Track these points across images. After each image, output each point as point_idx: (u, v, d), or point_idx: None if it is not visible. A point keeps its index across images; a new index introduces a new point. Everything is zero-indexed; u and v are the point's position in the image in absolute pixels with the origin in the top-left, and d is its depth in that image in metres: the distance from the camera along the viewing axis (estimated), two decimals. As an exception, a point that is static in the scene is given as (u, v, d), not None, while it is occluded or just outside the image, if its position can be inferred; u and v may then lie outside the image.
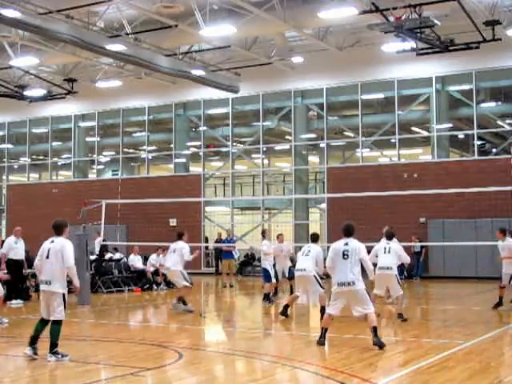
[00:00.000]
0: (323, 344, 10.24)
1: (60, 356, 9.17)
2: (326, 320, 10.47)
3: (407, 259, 13.66)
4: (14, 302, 16.72)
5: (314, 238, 13.89)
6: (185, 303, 14.93)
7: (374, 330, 10.01)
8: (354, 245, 10.23)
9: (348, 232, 10.40)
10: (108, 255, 21.88)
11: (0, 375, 8.68)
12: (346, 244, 10.22)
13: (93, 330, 13.09)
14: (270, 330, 12.99)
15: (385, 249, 13.20)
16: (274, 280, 16.72)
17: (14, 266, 16.65)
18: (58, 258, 9.45)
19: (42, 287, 9.53)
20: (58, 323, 9.36)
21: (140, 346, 10.55)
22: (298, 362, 9.03)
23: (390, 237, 13.57)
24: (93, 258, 20.50)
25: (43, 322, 9.49)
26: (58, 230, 9.81)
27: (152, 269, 21.56)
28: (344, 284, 10.03)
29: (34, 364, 9.35)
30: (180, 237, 15.29)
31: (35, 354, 9.28)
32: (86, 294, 16.70)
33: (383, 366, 9.05)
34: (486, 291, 15.82)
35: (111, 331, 12.63)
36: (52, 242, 9.66)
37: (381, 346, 9.86)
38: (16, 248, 16.67)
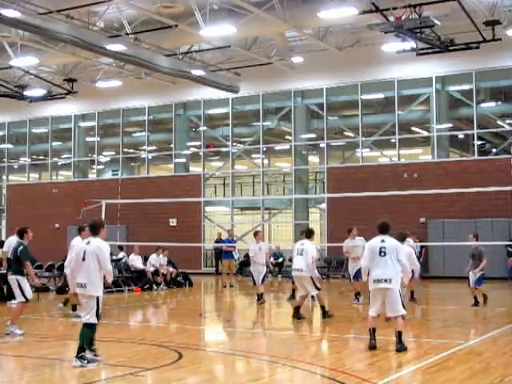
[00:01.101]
0: (375, 347, 9.78)
1: (86, 362, 8.78)
2: (370, 321, 10.10)
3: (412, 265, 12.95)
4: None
5: (308, 235, 13.85)
6: None
7: (399, 334, 9.74)
8: (392, 243, 10.10)
9: (384, 229, 10.26)
10: (121, 254, 21.94)
11: (0, 375, 8.68)
12: (383, 241, 10.09)
13: (93, 329, 13.05)
14: (270, 329, 12.99)
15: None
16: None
17: None
18: (93, 259, 9.06)
19: (78, 290, 9.21)
20: (88, 327, 9.03)
21: (140, 346, 10.55)
22: (297, 362, 9.03)
23: (402, 239, 12.91)
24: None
25: None
26: (95, 230, 9.36)
27: (152, 269, 21.56)
28: (380, 281, 9.82)
29: (34, 364, 9.35)
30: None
31: (96, 355, 9.09)
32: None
33: (383, 366, 9.04)
34: (486, 291, 15.81)
35: (111, 331, 12.62)
36: (88, 243, 9.25)
37: (403, 350, 9.64)
38: None
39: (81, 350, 8.85)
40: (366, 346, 9.87)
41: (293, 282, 18.01)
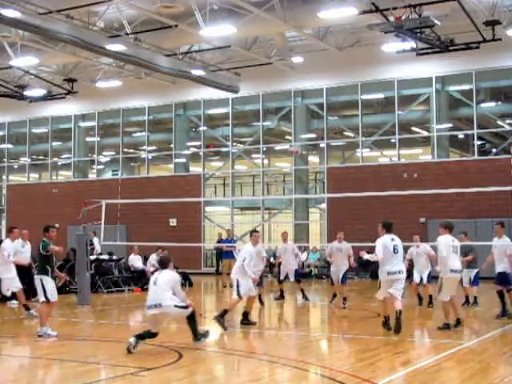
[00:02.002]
0: (390, 329, 11.31)
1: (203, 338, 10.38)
2: (382, 307, 11.81)
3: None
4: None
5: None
6: None
7: (399, 312, 11.11)
8: (399, 241, 11.67)
9: (391, 228, 11.76)
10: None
11: (0, 375, 8.68)
12: (393, 240, 11.59)
13: (93, 329, 13.09)
14: (270, 329, 12.99)
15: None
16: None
17: (21, 268, 16.08)
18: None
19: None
20: (190, 318, 10.25)
21: (140, 346, 10.55)
22: (297, 362, 9.03)
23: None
24: (93, 258, 20.50)
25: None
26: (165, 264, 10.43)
27: (152, 269, 21.52)
28: (395, 273, 11.46)
29: (34, 364, 9.36)
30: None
31: (135, 346, 9.56)
32: (85, 294, 16.73)
33: (383, 366, 9.04)
34: (486, 291, 15.80)
35: (111, 331, 12.63)
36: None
37: (398, 330, 10.95)
38: (23, 252, 16.02)
39: (196, 335, 10.42)
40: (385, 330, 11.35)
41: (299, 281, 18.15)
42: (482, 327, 12.16)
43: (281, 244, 18.28)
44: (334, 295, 16.50)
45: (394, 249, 11.45)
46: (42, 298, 11.46)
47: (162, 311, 9.92)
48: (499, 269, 13.49)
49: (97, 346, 10.72)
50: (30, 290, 16.53)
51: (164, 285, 9.98)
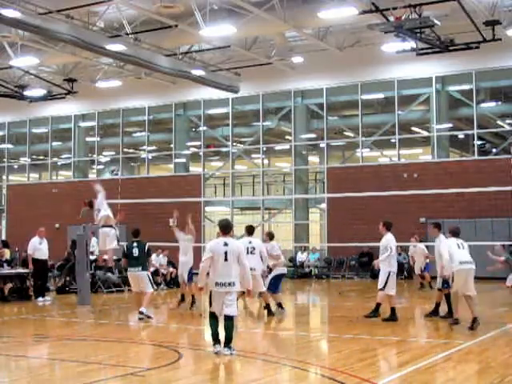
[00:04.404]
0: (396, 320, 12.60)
1: (234, 350, 9.47)
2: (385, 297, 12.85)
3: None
4: (40, 299, 17.48)
5: (251, 231, 14.18)
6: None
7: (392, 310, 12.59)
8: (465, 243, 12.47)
9: (458, 233, 12.41)
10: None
11: (0, 375, 8.68)
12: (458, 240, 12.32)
13: (93, 329, 13.09)
14: (269, 329, 12.99)
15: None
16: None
17: (38, 265, 17.55)
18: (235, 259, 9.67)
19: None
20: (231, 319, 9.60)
21: (140, 346, 10.56)
22: (297, 362, 9.02)
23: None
24: (93, 258, 20.49)
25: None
26: (228, 230, 9.84)
27: (152, 269, 21.53)
28: (468, 262, 12.03)
29: (34, 364, 9.36)
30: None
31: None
32: (85, 294, 16.74)
33: (383, 366, 9.05)
34: (486, 291, 15.82)
35: (111, 331, 12.63)
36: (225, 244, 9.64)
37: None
38: (40, 248, 17.63)
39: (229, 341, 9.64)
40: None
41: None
42: (482, 327, 12.15)
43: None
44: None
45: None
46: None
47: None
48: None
49: (97, 346, 10.72)
50: (43, 287, 17.40)
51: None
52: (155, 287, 15.15)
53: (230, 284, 9.52)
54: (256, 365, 9.30)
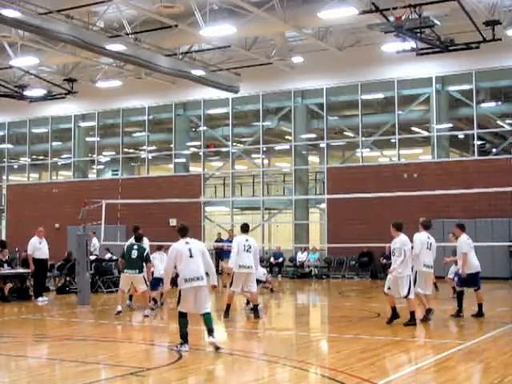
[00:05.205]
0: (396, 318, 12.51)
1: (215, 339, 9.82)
2: (415, 302, 12.52)
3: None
4: (40, 299, 17.52)
5: (246, 229, 14.07)
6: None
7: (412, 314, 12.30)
8: (433, 239, 13.20)
9: (430, 226, 13.33)
10: (107, 255, 21.91)
11: (0, 375, 8.68)
12: (429, 237, 13.13)
13: (93, 329, 13.09)
14: (269, 330, 12.99)
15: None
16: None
17: (39, 265, 17.64)
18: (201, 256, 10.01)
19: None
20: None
21: (140, 346, 10.55)
22: (298, 362, 9.03)
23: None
24: (93, 258, 20.51)
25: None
26: (185, 232, 10.22)
27: (152, 269, 21.50)
28: (430, 267, 13.03)
29: (34, 364, 9.36)
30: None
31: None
32: (86, 294, 16.74)
33: (383, 366, 9.05)
34: (486, 291, 15.81)
35: (111, 331, 12.63)
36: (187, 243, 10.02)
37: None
38: (40, 248, 17.73)
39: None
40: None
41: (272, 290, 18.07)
42: (482, 327, 12.16)
43: None
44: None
45: (427, 246, 13.17)
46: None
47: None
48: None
49: (97, 346, 10.73)
50: (42, 287, 17.49)
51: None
52: (149, 285, 15.16)
53: (198, 278, 9.72)
54: (256, 365, 9.30)
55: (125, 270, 14.36)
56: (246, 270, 13.60)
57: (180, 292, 9.79)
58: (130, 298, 16.03)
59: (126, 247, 14.82)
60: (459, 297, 13.60)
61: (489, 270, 22.18)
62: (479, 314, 13.47)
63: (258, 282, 14.78)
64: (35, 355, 10.23)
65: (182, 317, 9.80)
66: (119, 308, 14.29)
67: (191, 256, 9.82)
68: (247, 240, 13.74)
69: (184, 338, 9.75)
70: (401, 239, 12.57)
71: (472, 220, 24.01)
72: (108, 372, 8.76)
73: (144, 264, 14.52)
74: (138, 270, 14.07)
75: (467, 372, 8.43)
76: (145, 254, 14.32)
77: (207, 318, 9.83)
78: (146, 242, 15.62)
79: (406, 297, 12.38)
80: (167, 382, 8.20)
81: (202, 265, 9.88)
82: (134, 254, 14.05)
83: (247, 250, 13.52)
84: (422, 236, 13.06)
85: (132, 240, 15.23)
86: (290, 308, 17.64)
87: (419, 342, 11.17)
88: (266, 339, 11.96)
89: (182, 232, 10.16)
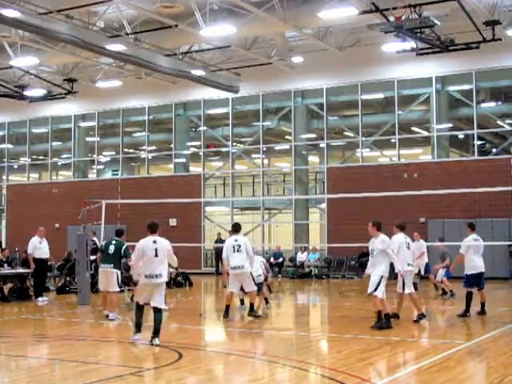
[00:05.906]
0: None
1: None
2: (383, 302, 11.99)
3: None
4: (40, 299, 17.52)
5: (237, 229, 14.12)
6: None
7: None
8: (410, 239, 13.64)
9: (405, 228, 13.51)
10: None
11: (0, 375, 8.68)
12: (406, 237, 13.34)
13: (93, 330, 13.09)
14: (269, 330, 12.99)
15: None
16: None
17: (39, 264, 17.69)
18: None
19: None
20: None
21: (140, 346, 10.55)
22: (297, 362, 9.03)
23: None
24: (93, 258, 20.49)
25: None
26: (155, 228, 10.67)
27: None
28: (413, 266, 13.52)
29: (34, 364, 9.36)
30: None
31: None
32: (86, 294, 16.74)
33: (383, 366, 9.05)
34: (486, 291, 15.79)
35: (111, 331, 12.63)
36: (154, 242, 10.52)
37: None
38: (40, 248, 17.79)
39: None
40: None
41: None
42: (482, 327, 12.17)
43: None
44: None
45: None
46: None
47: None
48: None
49: (97, 346, 10.73)
50: (42, 287, 17.52)
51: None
52: (122, 288, 15.07)
53: (157, 276, 10.41)
54: (256, 365, 9.30)
55: (100, 265, 14.30)
56: (238, 270, 13.67)
57: (138, 284, 10.67)
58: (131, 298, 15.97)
59: (104, 242, 14.88)
60: (468, 297, 13.62)
61: (489, 270, 22.04)
62: (482, 312, 13.74)
63: (258, 285, 14.60)
64: (35, 355, 10.23)
65: (138, 308, 10.57)
66: (106, 312, 13.99)
67: (156, 255, 10.47)
68: (236, 240, 13.73)
69: (137, 327, 10.53)
70: (383, 239, 12.00)
71: (472, 220, 23.98)
72: (108, 372, 8.75)
73: (121, 260, 14.28)
74: (112, 265, 13.85)
75: (467, 372, 8.44)
76: (123, 248, 14.05)
77: (157, 316, 10.30)
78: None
79: (370, 294, 11.90)
80: (167, 382, 8.20)
81: (164, 263, 10.60)
82: (111, 248, 13.99)
83: (237, 251, 13.52)
84: (399, 237, 13.11)
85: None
86: (290, 308, 17.64)
87: (419, 342, 11.17)
88: (266, 339, 11.96)
89: (152, 228, 10.69)
